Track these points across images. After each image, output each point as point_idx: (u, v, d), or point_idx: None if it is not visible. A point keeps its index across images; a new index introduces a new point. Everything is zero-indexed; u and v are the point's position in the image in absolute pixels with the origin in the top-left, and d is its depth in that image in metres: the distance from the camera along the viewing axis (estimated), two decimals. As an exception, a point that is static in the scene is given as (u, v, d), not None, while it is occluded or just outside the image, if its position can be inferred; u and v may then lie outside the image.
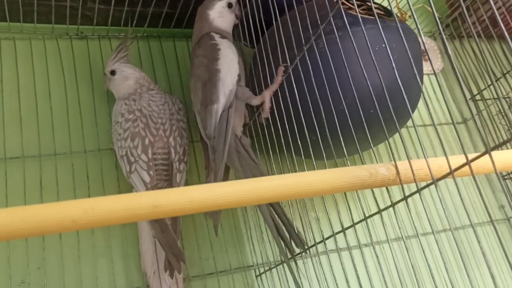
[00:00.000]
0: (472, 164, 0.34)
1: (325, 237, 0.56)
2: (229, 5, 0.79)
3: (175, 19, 0.90)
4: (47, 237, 0.71)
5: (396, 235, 0.87)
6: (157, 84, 0.81)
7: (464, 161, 0.34)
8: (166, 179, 0.71)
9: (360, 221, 0.48)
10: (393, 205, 0.43)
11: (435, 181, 0.37)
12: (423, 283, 0.82)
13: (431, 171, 0.38)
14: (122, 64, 0.78)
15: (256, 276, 0.77)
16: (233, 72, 0.73)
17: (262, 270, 0.76)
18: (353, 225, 0.49)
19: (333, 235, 0.53)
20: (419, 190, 0.39)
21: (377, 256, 0.49)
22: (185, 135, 0.75)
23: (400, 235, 0.87)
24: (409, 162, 0.40)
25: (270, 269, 0.74)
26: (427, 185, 0.39)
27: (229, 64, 0.73)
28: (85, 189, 0.75)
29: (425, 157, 0.39)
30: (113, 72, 0.77)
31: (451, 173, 0.36)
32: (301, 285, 0.64)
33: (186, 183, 0.75)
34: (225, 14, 0.79)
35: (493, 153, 0.32)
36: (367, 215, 0.48)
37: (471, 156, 0.34)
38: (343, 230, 0.51)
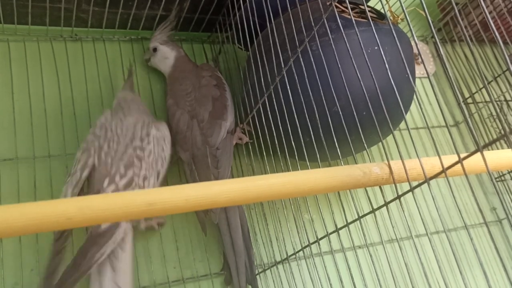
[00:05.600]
0: (464, 163, 0.35)
1: (318, 238, 0.56)
2: (154, 50, 0.86)
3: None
4: (41, 239, 0.70)
5: (389, 236, 0.88)
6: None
7: (457, 160, 0.35)
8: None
9: (354, 220, 0.49)
10: (386, 204, 0.43)
11: (427, 180, 0.38)
12: (416, 284, 0.82)
13: (424, 170, 0.38)
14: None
15: (250, 278, 0.77)
16: (233, 112, 0.81)
17: (256, 271, 0.76)
18: (347, 224, 0.50)
19: (327, 235, 0.53)
20: (412, 189, 0.40)
21: (370, 255, 0.49)
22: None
23: (394, 237, 0.87)
24: (402, 161, 0.40)
25: (264, 270, 0.74)
26: (420, 184, 0.39)
27: (231, 103, 0.82)
28: (79, 191, 0.75)
29: (418, 157, 0.39)
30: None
31: (443, 171, 0.36)
32: None
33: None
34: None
35: (485, 153, 0.33)
36: (360, 215, 0.48)
37: (463, 156, 0.35)
38: (337, 230, 0.51)
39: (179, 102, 0.79)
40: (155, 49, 0.85)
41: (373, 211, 0.46)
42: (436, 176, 0.38)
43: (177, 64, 0.84)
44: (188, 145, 0.75)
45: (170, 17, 0.86)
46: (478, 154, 0.33)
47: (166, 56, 0.85)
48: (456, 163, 0.35)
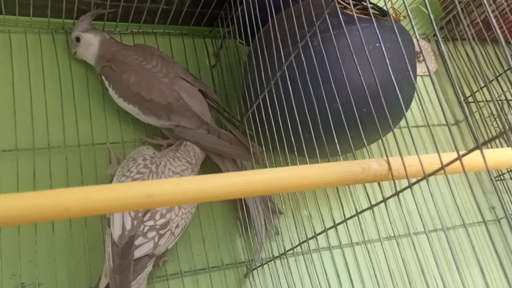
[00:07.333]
0: (464, 160, 0.34)
1: (316, 233, 0.56)
2: (77, 40, 0.82)
3: (171, 16, 0.90)
4: (40, 230, 0.70)
5: (387, 234, 0.88)
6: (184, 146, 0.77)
7: (456, 157, 0.35)
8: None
9: (352, 216, 0.49)
10: (384, 200, 0.43)
11: (426, 176, 0.38)
12: (414, 281, 0.82)
13: (423, 167, 0.38)
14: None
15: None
16: None
17: (254, 266, 0.76)
18: (345, 220, 0.50)
19: (325, 230, 0.53)
20: (410, 185, 0.40)
21: (368, 252, 0.49)
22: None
23: (392, 234, 0.87)
24: (401, 157, 0.40)
25: (262, 265, 0.74)
26: (418, 181, 0.39)
27: None
28: (78, 184, 0.75)
29: (417, 154, 0.39)
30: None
31: (442, 168, 0.36)
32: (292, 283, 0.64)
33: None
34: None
35: (485, 151, 0.33)
36: (358, 211, 0.48)
37: (463, 153, 0.35)
38: (335, 225, 0.51)
39: (142, 73, 0.76)
40: (78, 39, 0.81)
41: (371, 207, 0.46)
42: (435, 172, 0.38)
43: (104, 46, 0.80)
44: (189, 112, 0.75)
45: (93, 11, 0.84)
46: (478, 152, 0.33)
47: (90, 43, 0.80)
48: (455, 159, 0.35)
